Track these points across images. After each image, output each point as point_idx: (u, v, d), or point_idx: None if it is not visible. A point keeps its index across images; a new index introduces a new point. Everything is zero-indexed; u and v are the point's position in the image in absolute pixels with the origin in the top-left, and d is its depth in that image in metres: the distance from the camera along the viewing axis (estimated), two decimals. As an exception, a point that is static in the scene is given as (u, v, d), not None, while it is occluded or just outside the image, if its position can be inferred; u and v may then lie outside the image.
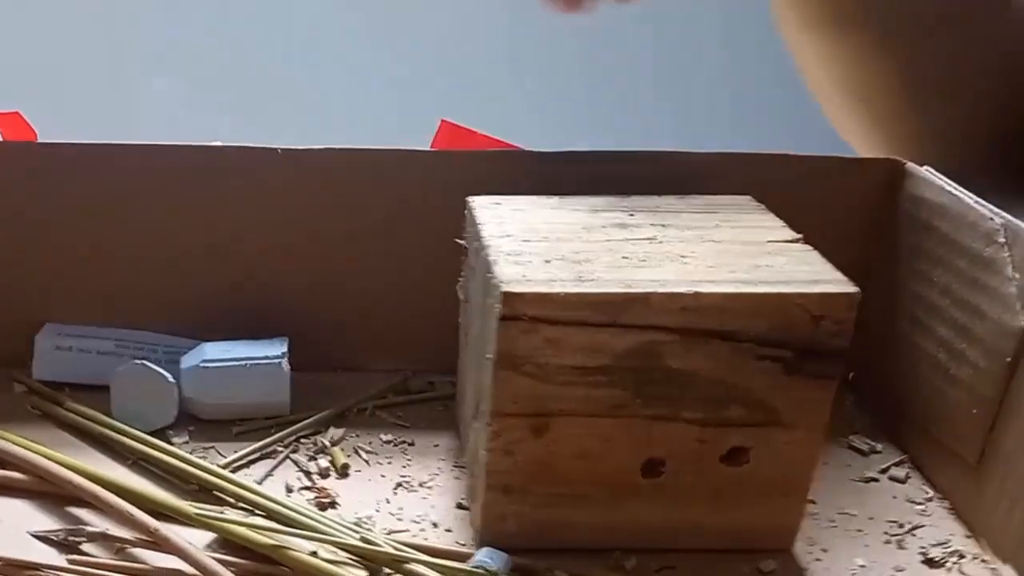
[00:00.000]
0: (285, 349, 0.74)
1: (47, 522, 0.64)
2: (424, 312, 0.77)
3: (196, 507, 0.63)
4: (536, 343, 0.57)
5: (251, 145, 0.74)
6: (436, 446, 0.73)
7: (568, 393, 0.59)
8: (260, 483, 0.68)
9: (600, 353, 0.58)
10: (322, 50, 2.16)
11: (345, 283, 0.78)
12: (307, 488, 0.68)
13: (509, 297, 0.56)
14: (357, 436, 0.74)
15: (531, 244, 0.62)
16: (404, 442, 0.73)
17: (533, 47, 2.18)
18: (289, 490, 0.68)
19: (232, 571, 0.59)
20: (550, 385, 0.58)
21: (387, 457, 0.72)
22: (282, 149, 0.74)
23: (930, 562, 0.64)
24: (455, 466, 0.71)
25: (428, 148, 0.77)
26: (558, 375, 0.58)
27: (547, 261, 0.60)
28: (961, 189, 0.69)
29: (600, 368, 0.58)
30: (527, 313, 0.57)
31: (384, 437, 0.74)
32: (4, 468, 0.67)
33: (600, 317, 0.57)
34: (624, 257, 0.61)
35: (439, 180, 0.74)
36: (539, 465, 0.60)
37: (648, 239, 0.63)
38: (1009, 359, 0.63)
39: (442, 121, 0.78)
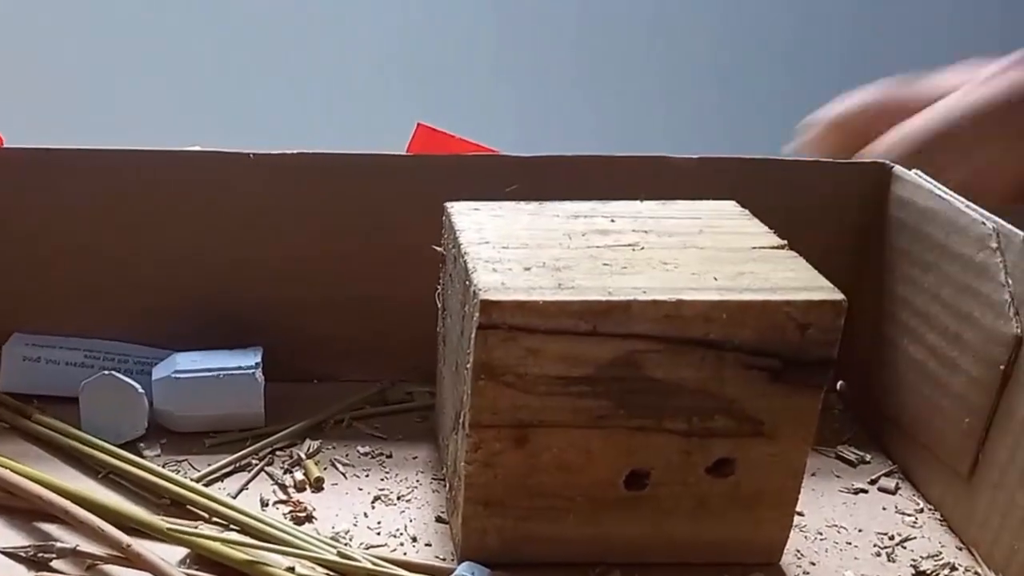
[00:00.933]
0: (259, 359, 0.74)
1: (15, 538, 0.63)
2: (402, 321, 0.77)
3: (169, 522, 0.63)
4: (516, 353, 0.57)
5: (222, 150, 0.74)
6: (415, 458, 0.73)
7: (549, 404, 0.58)
8: (234, 497, 0.68)
9: (581, 363, 0.58)
10: (293, 51, 2.15)
11: (321, 290, 0.78)
12: (283, 502, 0.68)
13: (487, 305, 0.56)
14: (333, 448, 0.73)
15: (510, 251, 0.62)
16: (382, 454, 0.73)
17: (512, 49, 2.18)
18: (264, 504, 0.68)
19: (205, 588, 0.59)
20: (531, 396, 0.58)
21: (364, 470, 0.72)
22: (254, 154, 0.74)
23: (921, 575, 0.64)
24: (434, 479, 0.71)
25: (404, 152, 0.77)
26: (539, 385, 0.58)
27: (527, 268, 0.59)
28: (952, 193, 0.69)
29: (582, 378, 0.58)
30: (506, 322, 0.56)
31: (361, 449, 0.73)
32: (-30, 483, 0.67)
33: (581, 326, 0.57)
34: (605, 264, 0.60)
35: (416, 185, 0.74)
36: (520, 478, 0.60)
37: (630, 245, 0.63)
38: (1002, 367, 0.63)
39: (418, 124, 0.78)
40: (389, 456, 0.73)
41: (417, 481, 0.71)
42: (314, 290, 0.78)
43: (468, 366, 0.58)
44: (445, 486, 0.69)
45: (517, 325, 0.56)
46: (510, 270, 0.59)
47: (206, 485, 0.69)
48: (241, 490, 0.69)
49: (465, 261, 0.60)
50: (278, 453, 0.72)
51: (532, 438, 0.59)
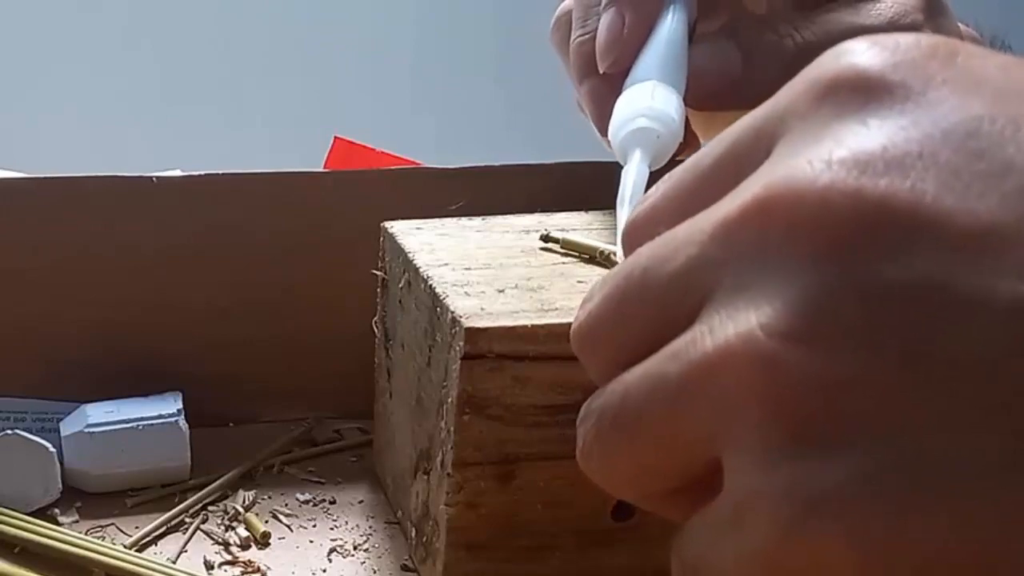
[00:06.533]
0: (180, 405, 0.72)
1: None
2: (323, 353, 0.77)
3: (105, 599, 0.62)
4: (502, 382, 0.57)
5: (121, 174, 0.72)
6: (360, 502, 0.73)
7: (536, 435, 0.59)
8: (174, 562, 0.67)
9: (570, 389, 0.58)
10: (197, 63, 2.12)
11: (234, 325, 0.77)
12: (230, 563, 0.67)
13: (473, 333, 0.56)
14: (270, 498, 0.72)
15: (474, 272, 0.62)
16: (324, 500, 0.73)
17: (432, 58, 2.18)
18: (210, 567, 0.67)
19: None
20: (518, 428, 0.58)
21: (310, 519, 0.71)
22: (157, 177, 0.72)
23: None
24: (387, 523, 0.71)
25: (322, 169, 0.76)
26: (526, 416, 0.58)
27: (500, 291, 0.60)
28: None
29: (570, 405, 0.58)
30: (492, 350, 0.57)
31: (301, 496, 0.73)
32: None
33: (569, 349, 0.57)
34: (579, 281, 0.61)
35: (337, 204, 0.74)
36: (505, 517, 0.61)
37: (595, 259, 0.64)
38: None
39: (335, 138, 0.78)
40: (332, 502, 0.72)
41: (370, 528, 0.70)
42: (227, 324, 0.77)
43: (450, 400, 0.58)
44: (403, 531, 0.69)
45: (504, 353, 0.57)
46: (483, 293, 0.60)
47: (140, 551, 0.67)
48: (180, 553, 0.68)
49: (431, 285, 0.60)
50: (211, 508, 0.71)
51: (518, 473, 0.60)
